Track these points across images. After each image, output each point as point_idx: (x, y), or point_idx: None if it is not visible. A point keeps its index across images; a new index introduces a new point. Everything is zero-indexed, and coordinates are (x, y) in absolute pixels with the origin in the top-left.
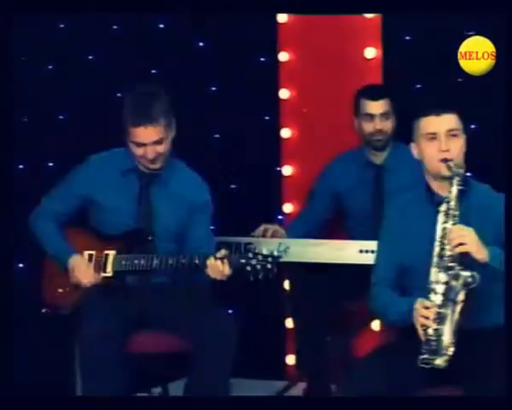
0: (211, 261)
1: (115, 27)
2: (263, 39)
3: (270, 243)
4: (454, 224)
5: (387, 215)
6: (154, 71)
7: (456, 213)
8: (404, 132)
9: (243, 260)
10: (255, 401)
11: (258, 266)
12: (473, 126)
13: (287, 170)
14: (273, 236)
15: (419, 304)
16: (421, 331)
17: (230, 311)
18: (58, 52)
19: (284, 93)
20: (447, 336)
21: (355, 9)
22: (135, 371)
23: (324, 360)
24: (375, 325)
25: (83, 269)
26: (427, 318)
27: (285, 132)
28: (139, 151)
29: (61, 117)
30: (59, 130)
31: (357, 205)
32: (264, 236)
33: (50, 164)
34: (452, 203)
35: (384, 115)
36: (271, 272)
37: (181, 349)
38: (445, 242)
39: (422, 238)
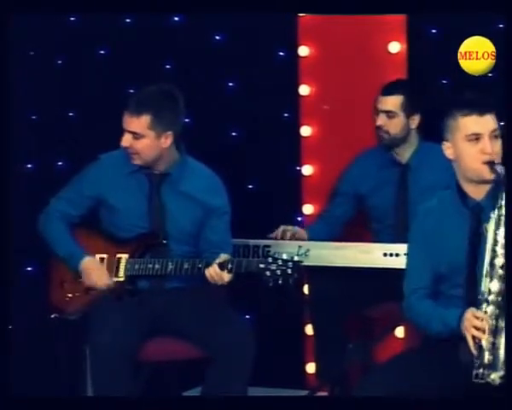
0: (209, 267)
1: (128, 21)
2: (282, 33)
3: (290, 246)
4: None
5: (417, 218)
6: (168, 67)
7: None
8: (431, 130)
9: (262, 265)
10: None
11: (278, 272)
12: None
13: (307, 169)
14: (292, 238)
15: (470, 314)
16: (472, 344)
17: (248, 316)
18: (68, 47)
19: (304, 89)
20: (503, 350)
21: (376, 10)
22: (147, 379)
23: (346, 368)
24: (399, 331)
25: (97, 271)
26: (479, 329)
27: (305, 130)
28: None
29: (71, 114)
30: (69, 128)
31: (380, 206)
32: (282, 238)
33: (60, 163)
34: (503, 211)
35: (387, 113)
36: (292, 277)
37: (196, 357)
38: (497, 249)
39: (457, 243)
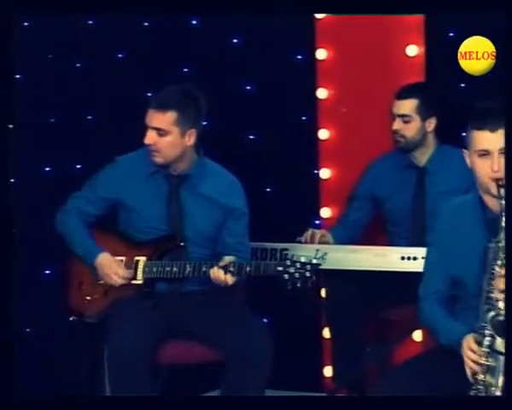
0: (213, 270)
1: (146, 24)
2: (299, 36)
3: (307, 250)
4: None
5: (437, 221)
6: (186, 70)
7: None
8: (448, 133)
9: (280, 268)
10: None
11: (297, 275)
12: None
13: (324, 173)
14: (320, 241)
15: (466, 344)
16: (468, 372)
17: (265, 320)
18: (87, 50)
19: (322, 92)
20: (497, 387)
21: (396, 10)
22: (165, 382)
23: (363, 371)
24: (417, 335)
25: (112, 266)
26: (473, 361)
27: (323, 133)
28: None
29: (89, 117)
30: (87, 131)
31: (397, 209)
32: (311, 241)
33: (78, 166)
34: (503, 243)
35: (403, 117)
36: (310, 279)
37: (213, 360)
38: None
39: (472, 250)
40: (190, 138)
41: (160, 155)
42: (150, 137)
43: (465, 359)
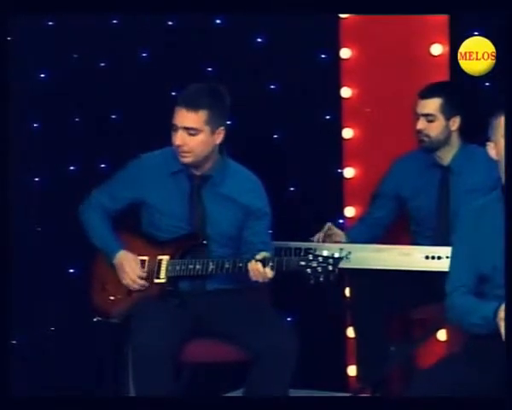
0: (251, 264)
1: (170, 23)
2: (323, 35)
3: (331, 249)
4: None
5: (463, 217)
6: (209, 69)
7: None
8: (472, 132)
9: (303, 263)
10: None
11: (319, 269)
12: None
13: (348, 172)
14: (333, 238)
15: (500, 313)
16: (503, 334)
17: (289, 318)
18: (111, 49)
19: (346, 91)
20: None
21: (418, 10)
22: (189, 381)
23: (387, 371)
24: (441, 334)
25: (130, 263)
26: None
27: (347, 133)
28: (173, 138)
29: (113, 116)
30: (111, 130)
31: (421, 208)
32: (328, 233)
33: (103, 165)
34: None
35: (427, 116)
36: (333, 273)
37: (237, 359)
38: None
39: (500, 244)
40: (219, 137)
41: (191, 154)
42: (181, 138)
43: (501, 330)
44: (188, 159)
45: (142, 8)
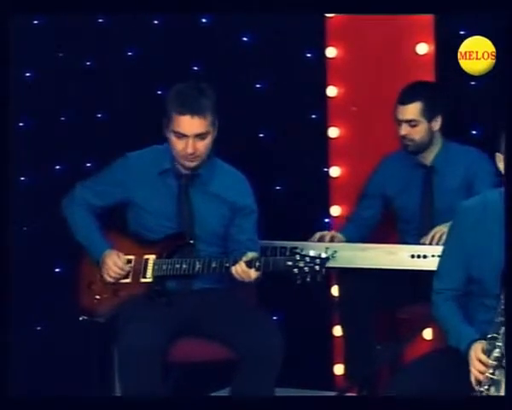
0: (237, 265)
1: (156, 22)
2: (309, 34)
3: (317, 248)
4: None
5: (456, 216)
6: (195, 68)
7: None
8: (453, 130)
9: (290, 263)
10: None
11: (306, 269)
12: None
13: (334, 171)
14: (331, 241)
15: (474, 354)
16: (472, 379)
17: (275, 317)
18: (97, 48)
19: (332, 90)
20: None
21: (404, 9)
22: (176, 380)
23: (374, 369)
24: (427, 333)
25: (113, 258)
26: (480, 371)
27: (333, 132)
28: (179, 145)
29: (99, 115)
30: (97, 129)
31: (406, 207)
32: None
33: (88, 164)
34: None
35: (409, 122)
36: (319, 274)
37: (224, 358)
38: None
39: (496, 250)
40: (214, 135)
41: (200, 158)
42: (192, 145)
43: (471, 368)
44: (195, 163)
45: (128, 7)
